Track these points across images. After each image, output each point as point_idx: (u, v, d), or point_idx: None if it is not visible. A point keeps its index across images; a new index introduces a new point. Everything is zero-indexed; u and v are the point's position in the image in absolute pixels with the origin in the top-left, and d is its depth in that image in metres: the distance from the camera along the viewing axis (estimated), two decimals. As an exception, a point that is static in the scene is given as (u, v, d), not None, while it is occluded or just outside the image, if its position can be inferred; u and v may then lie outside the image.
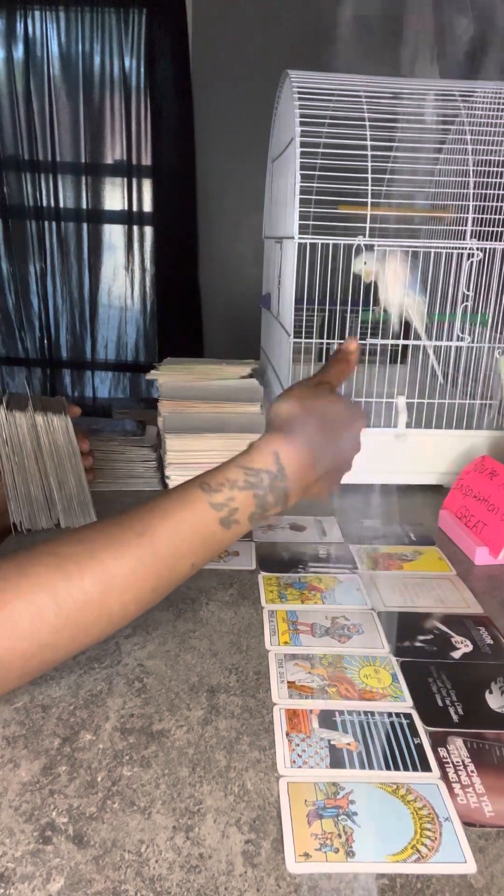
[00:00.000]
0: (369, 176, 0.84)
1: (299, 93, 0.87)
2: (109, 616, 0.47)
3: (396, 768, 0.44)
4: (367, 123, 0.85)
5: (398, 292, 0.90)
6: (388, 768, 0.44)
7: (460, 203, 0.88)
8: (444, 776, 0.43)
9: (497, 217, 0.88)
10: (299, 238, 0.86)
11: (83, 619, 0.46)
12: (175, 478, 0.86)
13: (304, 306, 0.93)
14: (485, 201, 0.87)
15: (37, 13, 2.64)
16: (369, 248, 0.87)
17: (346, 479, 0.61)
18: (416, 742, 0.46)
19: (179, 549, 0.50)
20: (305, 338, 0.91)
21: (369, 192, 0.84)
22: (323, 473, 0.57)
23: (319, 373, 0.63)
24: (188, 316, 2.81)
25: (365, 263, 0.88)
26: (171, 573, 0.50)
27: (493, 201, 0.87)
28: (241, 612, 0.62)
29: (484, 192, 0.87)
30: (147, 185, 2.79)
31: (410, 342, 0.94)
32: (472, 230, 0.87)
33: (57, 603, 0.45)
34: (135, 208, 2.82)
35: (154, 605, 0.51)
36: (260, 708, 0.49)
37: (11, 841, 0.38)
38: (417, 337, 0.94)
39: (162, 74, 2.62)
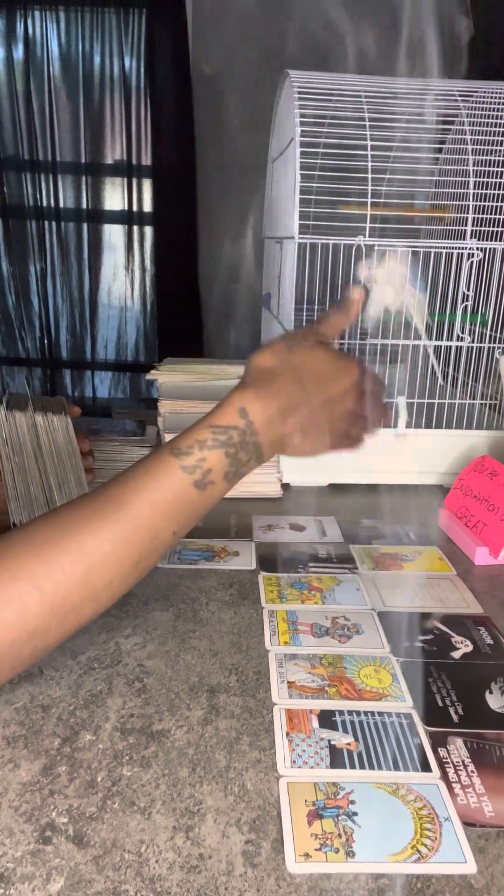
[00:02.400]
0: (369, 176, 0.84)
1: (299, 93, 0.87)
2: (96, 595, 0.47)
3: (396, 768, 0.44)
4: (367, 123, 0.85)
5: (399, 291, 0.90)
6: (388, 768, 0.44)
7: (460, 203, 0.87)
8: (444, 776, 0.43)
9: (497, 217, 0.88)
10: (299, 238, 0.86)
11: (69, 602, 0.45)
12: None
13: (305, 306, 0.93)
14: (485, 201, 0.87)
15: (37, 13, 2.64)
16: (369, 248, 0.87)
17: (351, 448, 0.59)
18: (416, 742, 0.46)
19: (157, 518, 0.49)
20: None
21: (369, 192, 0.84)
22: (303, 426, 0.55)
23: (314, 324, 0.60)
24: (188, 316, 2.80)
25: (369, 269, 0.87)
26: (152, 544, 0.49)
27: (493, 201, 0.87)
28: (241, 612, 0.62)
29: (484, 192, 0.87)
30: (147, 185, 2.79)
31: (411, 342, 0.94)
32: (472, 230, 0.87)
33: (40, 589, 0.44)
34: (135, 208, 2.82)
35: (151, 599, 0.51)
36: (260, 708, 0.49)
37: (11, 841, 0.38)
38: (418, 337, 0.94)
39: (162, 74, 2.62)
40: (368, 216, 0.85)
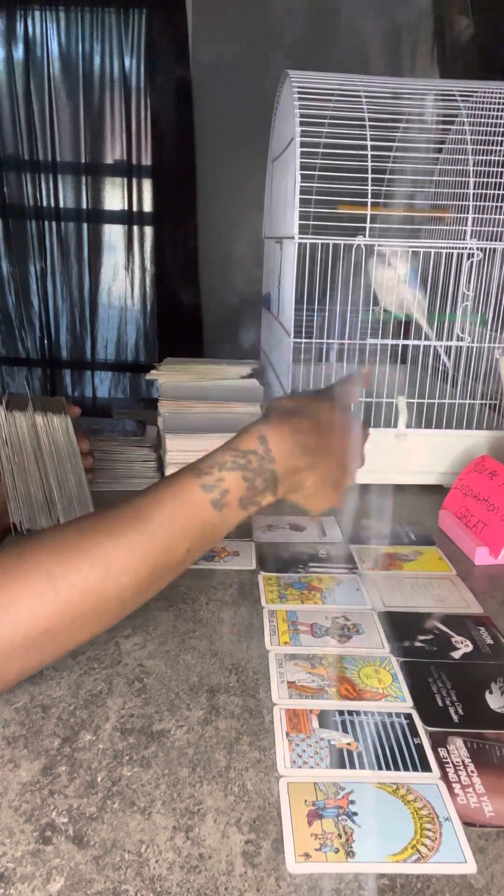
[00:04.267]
0: (369, 176, 0.84)
1: (299, 93, 0.87)
2: (106, 603, 0.47)
3: (396, 768, 0.44)
4: (367, 123, 0.85)
5: (400, 290, 0.90)
6: (388, 768, 0.44)
7: (460, 203, 0.88)
8: (444, 776, 0.43)
9: (497, 217, 0.88)
10: (299, 238, 0.86)
11: (81, 606, 0.46)
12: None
13: (305, 306, 0.93)
14: (485, 201, 0.87)
15: (37, 13, 2.64)
16: (370, 248, 0.87)
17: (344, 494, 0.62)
18: (416, 742, 0.46)
19: (173, 532, 0.50)
20: (305, 338, 0.91)
21: (369, 192, 0.84)
22: (312, 467, 0.57)
23: (328, 387, 0.65)
24: (188, 316, 2.80)
25: (390, 264, 0.88)
26: (166, 558, 0.50)
27: (493, 201, 0.88)
28: (241, 612, 0.62)
29: (484, 192, 0.87)
30: (147, 185, 2.79)
31: (411, 342, 0.94)
32: (472, 230, 0.87)
33: (55, 588, 0.45)
34: (135, 208, 2.82)
35: (151, 599, 0.51)
36: (260, 708, 0.49)
37: (11, 841, 0.38)
38: (418, 337, 0.94)
39: (162, 74, 2.62)
40: (368, 216, 0.85)
